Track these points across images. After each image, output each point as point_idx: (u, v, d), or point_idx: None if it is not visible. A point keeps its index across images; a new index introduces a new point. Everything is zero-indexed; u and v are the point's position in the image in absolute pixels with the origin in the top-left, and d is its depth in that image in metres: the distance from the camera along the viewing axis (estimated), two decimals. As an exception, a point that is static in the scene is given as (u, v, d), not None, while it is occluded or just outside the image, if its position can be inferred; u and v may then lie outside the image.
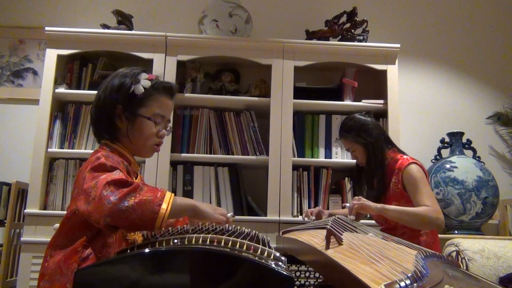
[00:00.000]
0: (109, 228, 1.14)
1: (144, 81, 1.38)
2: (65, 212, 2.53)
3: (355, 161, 2.20)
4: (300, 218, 2.61)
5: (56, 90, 2.65)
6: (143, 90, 1.37)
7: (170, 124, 1.51)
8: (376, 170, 2.01)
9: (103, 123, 1.38)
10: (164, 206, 1.11)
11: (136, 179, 1.43)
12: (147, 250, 1.02)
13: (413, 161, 1.96)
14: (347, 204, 1.91)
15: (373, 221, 2.25)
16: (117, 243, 1.26)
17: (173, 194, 1.16)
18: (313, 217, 2.17)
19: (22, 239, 2.46)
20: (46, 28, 2.69)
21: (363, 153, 2.06)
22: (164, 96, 1.43)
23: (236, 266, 0.99)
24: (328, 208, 2.68)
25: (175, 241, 1.08)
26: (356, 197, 1.86)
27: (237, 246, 1.06)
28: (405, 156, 2.01)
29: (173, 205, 1.13)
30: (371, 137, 2.03)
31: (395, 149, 2.08)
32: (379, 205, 1.83)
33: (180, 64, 2.75)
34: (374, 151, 2.02)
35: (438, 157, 3.01)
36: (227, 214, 1.36)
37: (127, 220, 1.08)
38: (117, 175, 1.15)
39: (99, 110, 1.38)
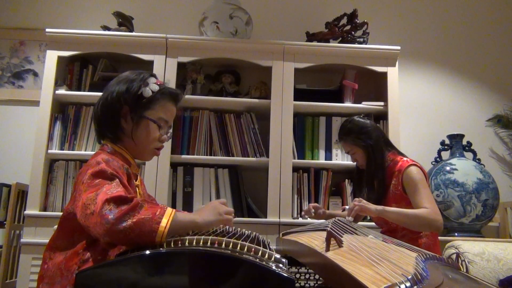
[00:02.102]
0: (108, 245, 1.15)
1: (153, 85, 1.40)
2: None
3: (355, 163, 2.20)
4: (300, 219, 2.61)
5: (57, 92, 2.66)
6: (151, 94, 1.39)
7: (171, 130, 1.52)
8: (376, 173, 2.01)
9: (108, 122, 1.38)
10: (163, 224, 1.09)
11: (136, 181, 1.43)
12: (147, 252, 1.02)
13: (413, 163, 1.96)
14: (347, 207, 1.91)
15: (373, 223, 2.25)
16: (117, 246, 1.26)
17: (174, 211, 1.14)
18: (313, 211, 2.16)
19: (22, 240, 2.45)
20: (47, 30, 2.70)
21: (363, 156, 2.06)
22: (170, 102, 1.45)
23: (236, 268, 0.99)
24: (328, 210, 2.67)
25: (176, 242, 1.08)
26: (356, 199, 1.86)
27: (238, 248, 1.06)
28: (405, 158, 2.01)
29: (173, 222, 1.11)
30: (370, 139, 2.03)
31: (395, 151, 2.08)
32: (379, 207, 1.82)
33: (181, 66, 2.75)
34: (374, 154, 2.02)
35: (438, 159, 3.01)
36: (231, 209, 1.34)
37: (125, 239, 1.07)
38: (116, 191, 1.14)
39: (105, 109, 1.38)
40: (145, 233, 1.07)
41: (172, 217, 1.12)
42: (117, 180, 1.20)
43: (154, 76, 1.44)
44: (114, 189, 1.15)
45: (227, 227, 1.53)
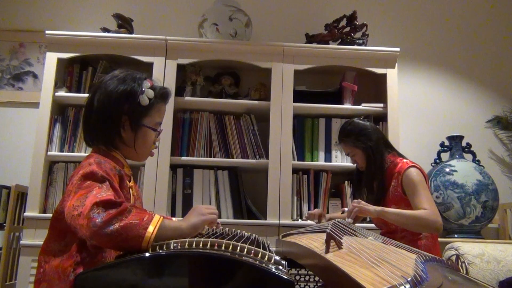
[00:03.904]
0: (95, 248, 1.16)
1: (148, 91, 1.38)
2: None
3: (354, 165, 2.20)
4: (300, 221, 2.61)
5: (56, 94, 2.66)
6: (148, 102, 1.37)
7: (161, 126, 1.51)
8: (376, 174, 2.01)
9: (105, 132, 1.36)
10: (150, 229, 1.09)
11: (130, 182, 1.42)
12: (147, 254, 1.01)
13: (413, 164, 1.96)
14: (346, 209, 1.91)
15: (372, 225, 2.25)
16: (104, 249, 1.26)
17: (162, 218, 1.14)
18: (316, 220, 2.15)
19: (21, 242, 2.45)
20: (47, 32, 2.70)
21: (363, 157, 2.06)
22: (162, 104, 1.45)
23: (236, 270, 0.99)
24: (327, 212, 2.68)
25: (175, 245, 1.08)
26: (355, 200, 1.86)
27: (238, 250, 1.06)
28: (404, 160, 2.01)
29: (160, 229, 1.11)
30: (370, 141, 2.03)
31: (394, 153, 2.08)
32: (378, 208, 1.82)
33: (180, 68, 2.76)
34: (374, 155, 2.02)
35: (437, 160, 3.01)
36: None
37: (111, 243, 1.08)
38: (105, 194, 1.13)
39: (103, 118, 1.35)
40: (131, 238, 1.07)
41: (159, 223, 1.12)
42: (107, 182, 1.19)
43: (146, 78, 1.42)
44: (104, 192, 1.14)
45: (226, 229, 1.53)
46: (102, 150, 1.37)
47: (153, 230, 1.09)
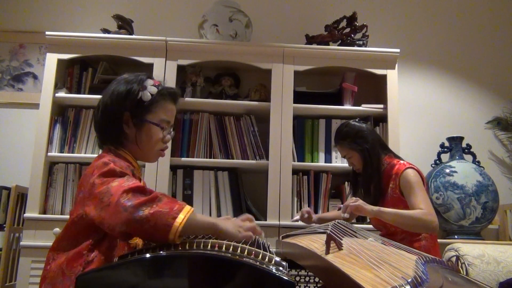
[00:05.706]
0: (124, 236, 1.15)
1: (151, 87, 1.39)
2: (65, 216, 2.50)
3: (351, 167, 2.19)
4: (300, 222, 2.61)
5: (56, 95, 2.66)
6: (150, 97, 1.38)
7: (172, 129, 1.52)
8: (373, 176, 2.01)
9: (110, 129, 1.38)
10: (178, 220, 1.08)
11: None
12: (148, 255, 1.01)
13: (410, 166, 1.96)
14: (341, 205, 1.90)
15: (371, 226, 2.24)
16: (120, 246, 1.26)
17: (192, 209, 1.13)
18: (306, 215, 2.19)
19: (21, 243, 2.45)
20: (47, 33, 2.70)
21: (360, 160, 2.05)
22: (169, 102, 1.45)
23: (237, 271, 0.99)
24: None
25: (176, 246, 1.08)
26: (353, 198, 1.85)
27: (238, 251, 1.06)
28: (401, 161, 2.01)
29: (189, 220, 1.10)
30: (367, 143, 2.03)
31: (391, 155, 2.08)
32: (375, 208, 1.82)
33: (180, 69, 2.76)
34: (371, 157, 2.02)
35: (437, 161, 3.01)
36: (254, 224, 1.26)
37: (141, 229, 1.08)
38: (132, 182, 1.14)
39: (106, 116, 1.37)
40: (160, 226, 1.07)
41: (189, 214, 1.11)
42: (128, 176, 1.21)
43: (150, 77, 1.44)
44: (129, 181, 1.16)
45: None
46: (112, 150, 1.38)
47: (182, 221, 1.09)
